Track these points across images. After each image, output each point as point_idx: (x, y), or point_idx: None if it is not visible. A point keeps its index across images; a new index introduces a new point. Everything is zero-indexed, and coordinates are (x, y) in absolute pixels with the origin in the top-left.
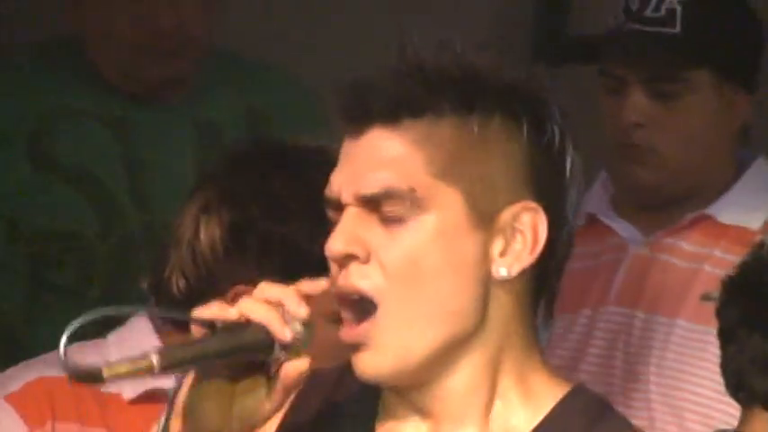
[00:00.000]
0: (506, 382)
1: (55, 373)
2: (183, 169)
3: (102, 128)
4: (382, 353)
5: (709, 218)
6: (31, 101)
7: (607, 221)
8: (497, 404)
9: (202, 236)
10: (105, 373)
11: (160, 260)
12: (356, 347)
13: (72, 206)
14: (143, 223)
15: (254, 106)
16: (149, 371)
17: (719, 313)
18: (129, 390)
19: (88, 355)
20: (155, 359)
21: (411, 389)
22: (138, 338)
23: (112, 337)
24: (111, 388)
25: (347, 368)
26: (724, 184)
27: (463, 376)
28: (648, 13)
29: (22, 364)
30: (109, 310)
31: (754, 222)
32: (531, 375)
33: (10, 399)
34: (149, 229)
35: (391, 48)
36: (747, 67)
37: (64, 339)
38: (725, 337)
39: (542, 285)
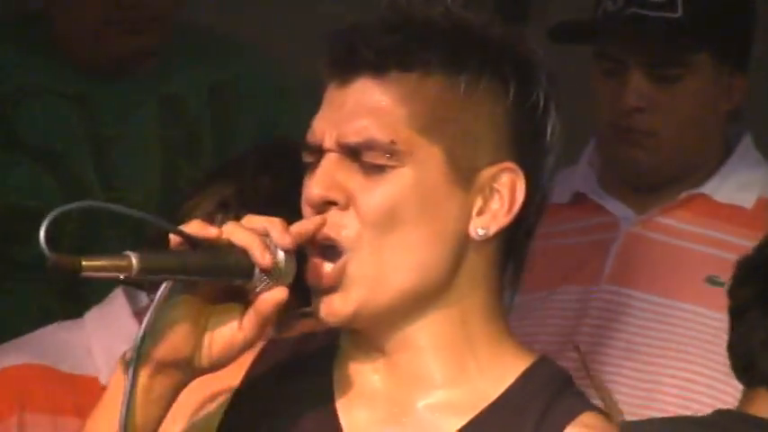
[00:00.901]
0: (474, 345)
1: (27, 360)
2: (147, 144)
3: (67, 104)
4: (348, 295)
5: (703, 196)
6: None
7: (597, 199)
8: (467, 366)
9: None
10: (84, 263)
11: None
12: (322, 290)
13: (38, 184)
14: (109, 199)
15: (219, 81)
16: (127, 270)
17: (732, 293)
18: (108, 374)
19: (69, 331)
20: (134, 259)
21: (373, 334)
22: (115, 319)
23: (90, 314)
24: (89, 369)
25: (308, 333)
26: (716, 163)
27: (427, 330)
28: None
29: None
30: (97, 204)
31: (746, 201)
32: (498, 341)
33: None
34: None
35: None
36: (743, 50)
37: (45, 224)
38: (736, 316)
39: (512, 249)
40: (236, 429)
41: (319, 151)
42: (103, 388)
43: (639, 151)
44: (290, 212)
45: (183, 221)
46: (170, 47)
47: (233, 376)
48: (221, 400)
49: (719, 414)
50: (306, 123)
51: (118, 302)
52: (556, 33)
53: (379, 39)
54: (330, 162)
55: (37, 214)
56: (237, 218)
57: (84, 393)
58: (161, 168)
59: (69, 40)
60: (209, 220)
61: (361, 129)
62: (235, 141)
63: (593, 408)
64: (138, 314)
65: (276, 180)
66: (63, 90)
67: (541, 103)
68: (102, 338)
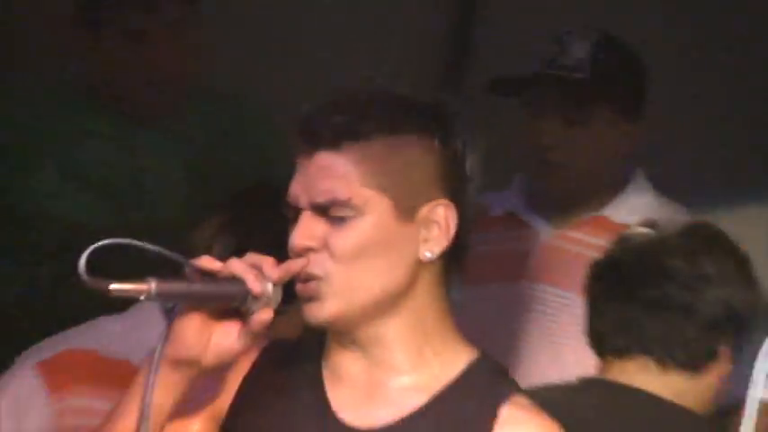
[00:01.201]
0: (429, 338)
1: (85, 346)
2: (172, 174)
3: (113, 144)
4: (323, 305)
5: (604, 217)
6: (60, 124)
7: (524, 217)
8: (426, 355)
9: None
10: (111, 287)
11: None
12: (306, 299)
13: (93, 208)
14: (142, 219)
15: (224, 128)
16: (147, 293)
17: (587, 289)
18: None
19: (115, 322)
20: (153, 285)
21: (350, 332)
22: (148, 315)
23: (132, 309)
24: (128, 355)
25: (301, 338)
26: (614, 191)
27: (392, 328)
28: (562, 61)
29: (60, 335)
30: (126, 242)
31: (634, 221)
32: (447, 334)
33: (39, 366)
34: (147, 223)
35: (331, 81)
36: (638, 105)
37: (85, 255)
38: (590, 307)
39: (453, 263)
40: (247, 408)
41: (297, 209)
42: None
43: (554, 179)
44: (270, 240)
45: (192, 244)
46: (189, 100)
47: (241, 371)
48: (231, 389)
49: (582, 380)
50: (289, 158)
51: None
52: (494, 87)
53: (332, 119)
54: (306, 218)
55: (90, 231)
56: (233, 246)
57: (124, 376)
58: (185, 192)
59: (117, 97)
60: (210, 242)
61: (326, 191)
62: (237, 173)
63: (523, 391)
64: (167, 312)
65: (260, 214)
66: (110, 133)
67: (461, 150)
68: (138, 329)
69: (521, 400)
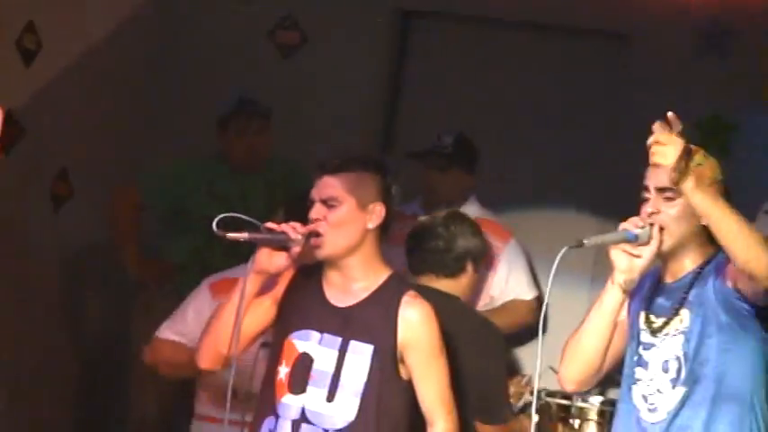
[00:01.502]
0: (371, 264)
1: (233, 276)
2: (259, 200)
3: (226, 188)
4: (322, 249)
5: None
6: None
7: (420, 216)
8: (369, 272)
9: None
10: (228, 235)
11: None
12: (316, 245)
13: (199, 236)
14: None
15: (282, 175)
16: (244, 238)
17: (407, 243)
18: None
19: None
20: (246, 234)
21: (335, 262)
22: (203, 292)
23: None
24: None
25: (313, 265)
26: (461, 203)
27: (354, 259)
28: (440, 144)
29: (227, 270)
30: (238, 216)
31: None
32: (379, 264)
33: (211, 285)
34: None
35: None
36: (473, 165)
37: (216, 220)
38: (408, 252)
39: (383, 230)
40: (287, 296)
41: (313, 201)
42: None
43: (432, 199)
44: (303, 216)
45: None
46: (269, 161)
47: (286, 279)
48: (279, 294)
49: (417, 285)
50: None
51: (203, 285)
52: (409, 155)
53: (332, 162)
54: (317, 206)
55: (196, 254)
56: (287, 221)
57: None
58: (265, 211)
59: (229, 159)
60: (279, 220)
61: (327, 193)
62: (284, 197)
63: (414, 288)
64: (213, 286)
65: (299, 206)
66: (222, 184)
67: (389, 181)
68: (197, 304)
69: (413, 293)
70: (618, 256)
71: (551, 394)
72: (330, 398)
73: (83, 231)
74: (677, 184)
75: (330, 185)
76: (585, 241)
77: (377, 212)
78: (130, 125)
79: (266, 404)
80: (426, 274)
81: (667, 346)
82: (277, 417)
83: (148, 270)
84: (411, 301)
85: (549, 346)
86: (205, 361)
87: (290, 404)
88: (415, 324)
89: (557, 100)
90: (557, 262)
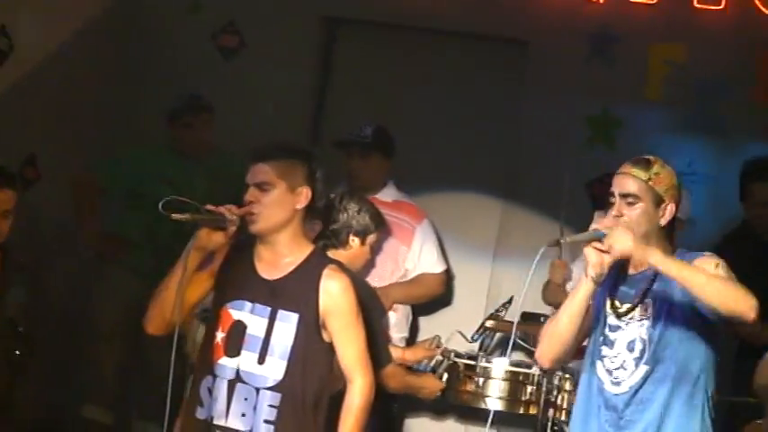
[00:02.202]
0: (297, 241)
1: None
2: (203, 189)
3: (174, 174)
4: (257, 224)
5: (375, 198)
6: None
7: None
8: (295, 247)
9: None
10: (173, 216)
11: None
12: (251, 223)
13: (150, 217)
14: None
15: (220, 163)
16: (186, 219)
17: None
18: None
19: None
20: (188, 215)
21: (265, 238)
22: None
23: None
24: None
25: (246, 240)
26: (381, 186)
27: (282, 235)
28: (361, 134)
29: None
30: (180, 198)
31: (388, 199)
32: (303, 240)
33: None
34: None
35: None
36: (390, 151)
37: (161, 204)
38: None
39: (310, 210)
40: (223, 270)
41: (248, 186)
42: None
43: (356, 181)
44: (240, 200)
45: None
46: (210, 150)
47: (222, 254)
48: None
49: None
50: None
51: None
52: (334, 145)
53: (264, 151)
54: (251, 189)
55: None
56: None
57: None
58: (207, 194)
59: (181, 148)
60: (217, 206)
61: (259, 177)
62: (225, 186)
63: (335, 263)
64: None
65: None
66: (177, 163)
67: (314, 167)
68: None
69: (334, 266)
70: (590, 252)
71: (459, 355)
72: (261, 360)
73: (48, 211)
74: (645, 262)
75: (263, 171)
76: (562, 240)
77: (304, 195)
78: (92, 117)
79: (205, 365)
80: (326, 244)
81: (633, 329)
82: (215, 377)
83: (106, 245)
84: (331, 273)
85: (456, 314)
86: (152, 326)
87: (226, 365)
88: (334, 294)
89: (464, 98)
90: (537, 259)
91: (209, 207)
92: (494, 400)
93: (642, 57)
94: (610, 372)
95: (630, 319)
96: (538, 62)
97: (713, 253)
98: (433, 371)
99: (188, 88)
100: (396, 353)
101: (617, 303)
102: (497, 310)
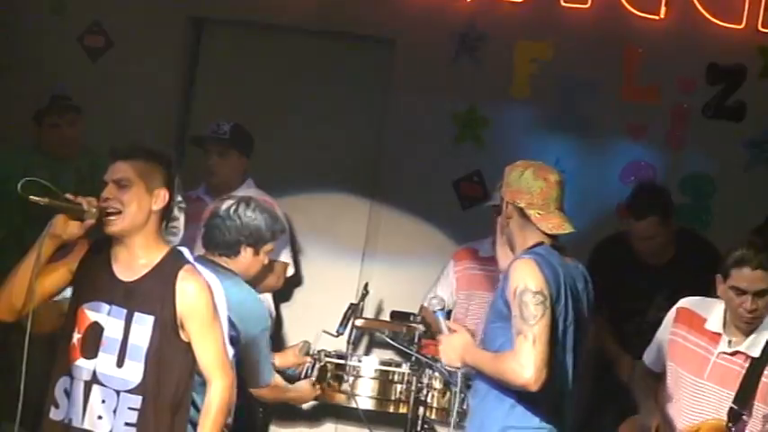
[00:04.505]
0: (152, 241)
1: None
2: (69, 189)
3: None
4: (115, 223)
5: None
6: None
7: (206, 198)
8: (151, 248)
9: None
10: (31, 198)
11: None
12: (108, 221)
13: (16, 217)
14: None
15: (91, 163)
16: (44, 204)
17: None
18: None
19: None
20: (47, 200)
21: (123, 240)
22: None
23: None
24: None
25: (104, 239)
26: (239, 185)
27: (139, 236)
28: (219, 131)
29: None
30: (42, 181)
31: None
32: (160, 241)
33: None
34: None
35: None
36: (249, 148)
37: (19, 185)
38: (203, 245)
39: (165, 214)
40: (80, 268)
41: (106, 182)
42: None
43: (212, 182)
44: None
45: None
46: (81, 148)
47: (81, 251)
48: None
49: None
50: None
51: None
52: (192, 140)
53: (125, 150)
54: (110, 186)
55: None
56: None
57: None
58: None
59: (48, 149)
60: (75, 196)
61: (119, 175)
62: (93, 186)
63: (190, 263)
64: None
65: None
66: (43, 163)
67: (173, 171)
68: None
69: (189, 267)
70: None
71: (328, 354)
72: (120, 363)
73: None
74: (452, 368)
75: (122, 169)
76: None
77: (161, 197)
78: None
79: (62, 364)
80: (210, 250)
81: None
82: (72, 377)
83: None
84: (186, 275)
85: (321, 313)
86: (1, 312)
87: (83, 367)
88: (190, 295)
89: (332, 98)
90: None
91: (69, 196)
92: (364, 398)
93: (509, 55)
94: None
95: None
96: (405, 60)
97: (531, 259)
98: (306, 376)
99: (54, 89)
100: None
101: None
102: (356, 304)
